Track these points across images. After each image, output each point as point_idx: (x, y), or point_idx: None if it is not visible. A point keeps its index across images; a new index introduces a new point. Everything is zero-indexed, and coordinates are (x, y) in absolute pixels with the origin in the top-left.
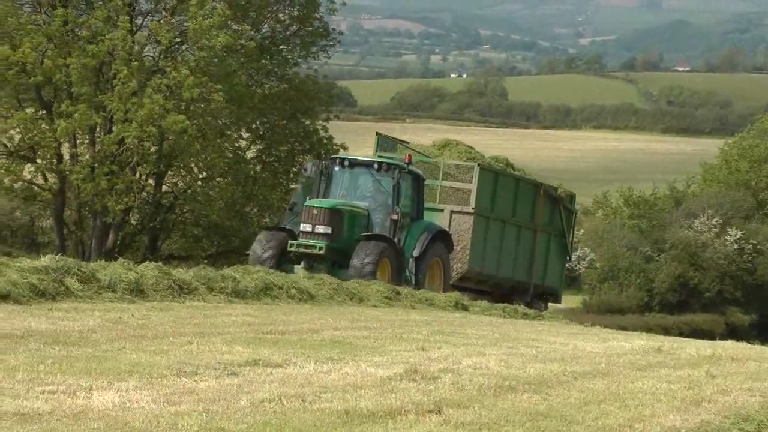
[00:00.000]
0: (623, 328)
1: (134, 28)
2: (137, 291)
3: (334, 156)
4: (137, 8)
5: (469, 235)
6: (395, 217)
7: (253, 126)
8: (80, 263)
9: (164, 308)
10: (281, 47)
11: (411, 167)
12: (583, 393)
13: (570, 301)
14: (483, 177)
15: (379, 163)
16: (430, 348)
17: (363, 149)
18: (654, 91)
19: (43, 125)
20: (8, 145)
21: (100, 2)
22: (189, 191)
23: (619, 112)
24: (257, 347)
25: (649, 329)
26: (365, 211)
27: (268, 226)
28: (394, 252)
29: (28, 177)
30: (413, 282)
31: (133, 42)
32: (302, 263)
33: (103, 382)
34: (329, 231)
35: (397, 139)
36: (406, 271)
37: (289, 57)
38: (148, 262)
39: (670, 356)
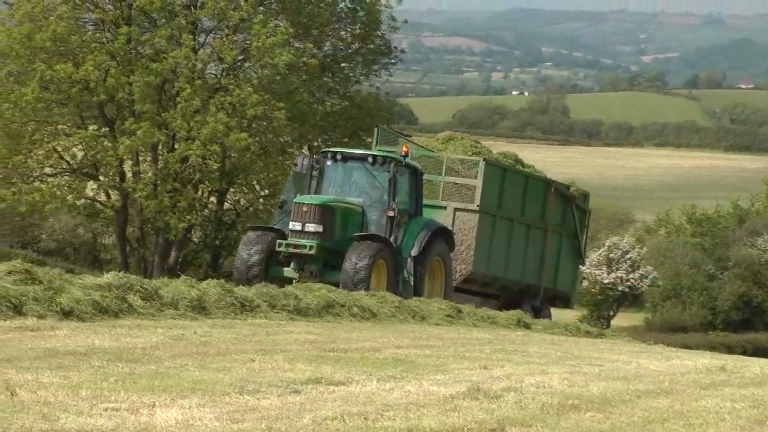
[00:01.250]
0: (686, 346)
1: (197, 46)
2: (199, 308)
3: (326, 149)
4: (200, 26)
5: (474, 234)
6: (391, 213)
7: (315, 144)
8: (143, 280)
9: (226, 325)
10: (343, 65)
11: (408, 160)
12: (646, 412)
13: (632, 319)
14: (489, 172)
15: (374, 157)
16: (493, 366)
17: None
18: (717, 109)
19: (105, 143)
20: (71, 162)
21: (164, 20)
22: (251, 209)
23: (682, 130)
24: (319, 365)
25: (712, 348)
26: (359, 207)
27: (255, 226)
28: (391, 252)
29: (91, 194)
30: (411, 284)
31: (196, 60)
32: (292, 264)
33: (166, 399)
34: (320, 229)
35: (398, 132)
36: (404, 272)
37: (351, 75)
38: (210, 279)
39: (734, 375)
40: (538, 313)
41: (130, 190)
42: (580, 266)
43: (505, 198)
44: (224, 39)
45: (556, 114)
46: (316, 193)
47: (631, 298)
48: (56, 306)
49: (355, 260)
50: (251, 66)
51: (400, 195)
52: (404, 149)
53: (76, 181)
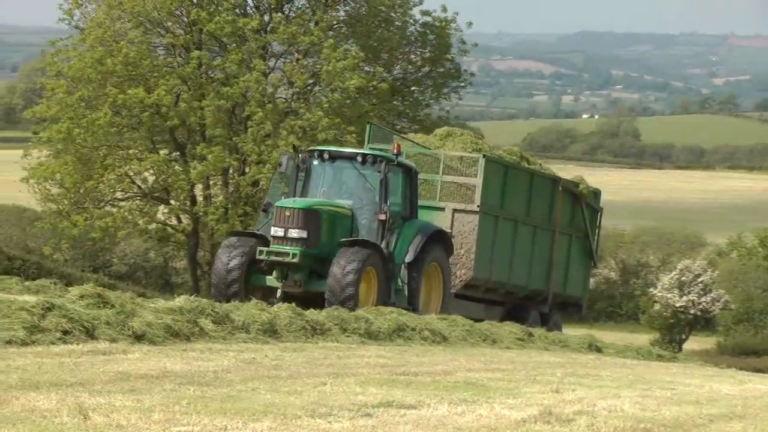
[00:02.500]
0: (759, 370)
1: (268, 70)
2: (271, 331)
3: (313, 148)
4: (270, 50)
5: (474, 237)
6: (383, 217)
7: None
8: (214, 304)
9: (298, 349)
10: (413, 88)
11: (401, 159)
12: None
13: (704, 342)
14: (490, 170)
15: (364, 156)
16: (564, 390)
17: None
18: None
19: (176, 167)
20: (142, 187)
21: (234, 45)
22: None
23: (754, 153)
24: (391, 388)
25: None
26: (348, 211)
27: (235, 231)
28: (381, 259)
29: (162, 218)
30: (406, 293)
31: (267, 84)
32: (274, 273)
33: (238, 422)
34: (304, 235)
35: (392, 129)
36: (398, 280)
37: (421, 98)
38: (281, 303)
39: None
40: (547, 320)
41: (201, 214)
42: (593, 269)
43: (508, 197)
44: (294, 63)
45: (626, 137)
46: (302, 195)
47: (703, 322)
48: (128, 330)
49: (342, 268)
50: (321, 90)
51: (392, 197)
52: (396, 147)
53: (148, 205)
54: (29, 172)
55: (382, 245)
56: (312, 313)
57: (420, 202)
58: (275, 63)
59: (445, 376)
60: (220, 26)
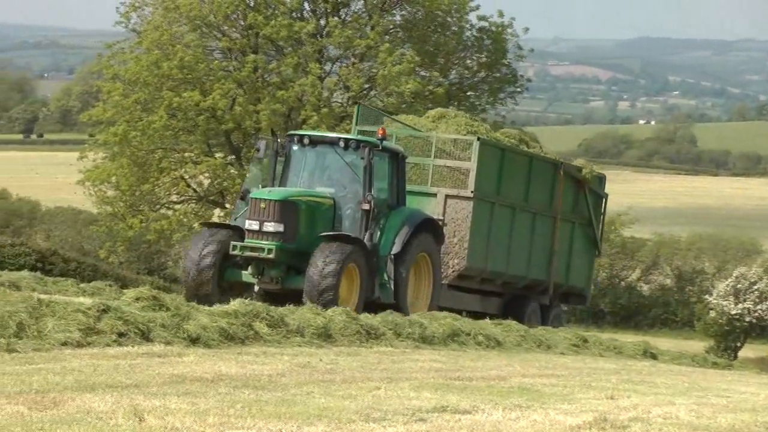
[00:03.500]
0: None
1: (323, 74)
2: (325, 336)
3: (292, 132)
4: (326, 54)
5: (468, 224)
6: (366, 207)
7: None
8: (269, 308)
9: (352, 353)
10: (469, 93)
11: (386, 143)
12: None
13: (760, 350)
14: (485, 153)
15: (347, 141)
16: (619, 396)
17: None
18: None
19: (232, 171)
20: (198, 190)
21: (290, 49)
22: None
23: None
24: (445, 393)
25: None
26: (330, 200)
27: (209, 222)
28: (364, 254)
29: (218, 221)
30: (391, 287)
31: (323, 88)
32: (249, 268)
33: (292, 426)
34: (281, 229)
35: (382, 110)
36: (383, 274)
37: (477, 103)
38: (335, 306)
39: None
40: (547, 312)
41: None
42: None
43: (505, 182)
44: (350, 67)
45: (683, 143)
46: (281, 183)
47: (759, 330)
48: (183, 333)
49: (320, 266)
50: (377, 94)
51: (378, 184)
52: (381, 131)
53: (203, 208)
54: (85, 174)
55: (366, 237)
56: (366, 318)
57: (410, 188)
58: (331, 67)
59: (499, 382)
60: (277, 30)
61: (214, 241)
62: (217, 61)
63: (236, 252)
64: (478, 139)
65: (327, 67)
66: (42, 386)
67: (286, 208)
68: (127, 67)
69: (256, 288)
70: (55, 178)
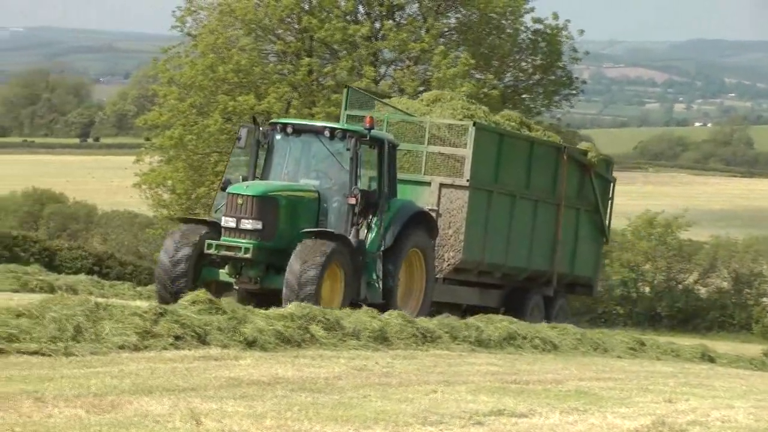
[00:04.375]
0: None
1: (378, 77)
2: (381, 339)
3: (275, 120)
4: (381, 57)
5: (464, 215)
6: (353, 201)
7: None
8: (325, 311)
9: (408, 356)
10: (524, 96)
11: (374, 132)
12: None
13: None
14: (481, 139)
15: (332, 129)
16: (677, 400)
17: None
18: None
19: None
20: None
21: (345, 52)
22: None
23: None
24: (502, 396)
25: None
26: (314, 194)
27: (185, 218)
28: (349, 252)
29: None
30: (379, 286)
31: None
32: (226, 267)
33: (349, 429)
34: (259, 226)
35: (372, 92)
36: (372, 273)
37: (532, 106)
38: (391, 310)
39: None
40: (551, 304)
41: None
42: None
43: (503, 169)
44: (405, 70)
45: (739, 145)
46: (263, 175)
47: None
48: (240, 336)
49: (301, 263)
50: None
51: (365, 176)
52: (368, 120)
53: None
54: (141, 178)
55: (352, 233)
56: (422, 321)
57: (403, 176)
58: (386, 70)
59: (556, 385)
60: (331, 33)
61: (189, 237)
62: (272, 65)
63: (212, 251)
64: (474, 124)
65: (382, 70)
66: (100, 389)
67: (265, 204)
68: (183, 71)
69: (236, 286)
70: (111, 182)
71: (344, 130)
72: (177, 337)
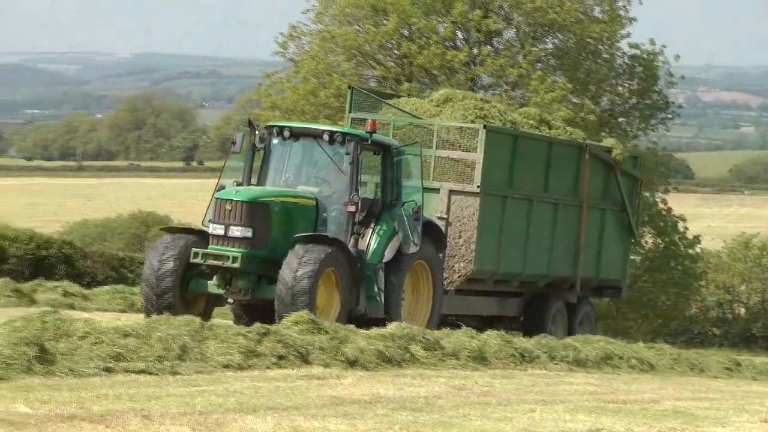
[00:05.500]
0: None
1: None
2: (480, 358)
3: (271, 123)
4: (479, 82)
5: (475, 223)
6: (353, 209)
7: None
8: (425, 331)
9: (506, 376)
10: (620, 120)
11: (377, 136)
12: None
13: None
14: (493, 142)
15: (332, 133)
16: None
17: (699, 221)
18: None
19: None
20: None
21: (444, 77)
22: None
23: None
24: (599, 416)
25: None
26: (312, 201)
27: (169, 227)
28: (346, 258)
29: None
30: (380, 299)
31: None
32: (215, 278)
33: None
34: (249, 234)
35: (378, 93)
36: (373, 285)
37: (629, 129)
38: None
39: None
40: (575, 311)
41: None
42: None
43: (518, 172)
44: (503, 95)
45: None
46: (260, 181)
47: None
48: (341, 355)
49: (294, 269)
50: None
51: (367, 182)
52: (370, 123)
53: None
54: None
55: (351, 242)
56: (520, 341)
57: (411, 182)
58: (484, 95)
59: (653, 404)
60: (430, 59)
61: (175, 246)
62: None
63: (198, 260)
64: (485, 126)
65: (479, 95)
66: (205, 408)
67: (256, 211)
68: (285, 96)
69: (228, 299)
70: None
71: (344, 134)
72: (280, 357)
